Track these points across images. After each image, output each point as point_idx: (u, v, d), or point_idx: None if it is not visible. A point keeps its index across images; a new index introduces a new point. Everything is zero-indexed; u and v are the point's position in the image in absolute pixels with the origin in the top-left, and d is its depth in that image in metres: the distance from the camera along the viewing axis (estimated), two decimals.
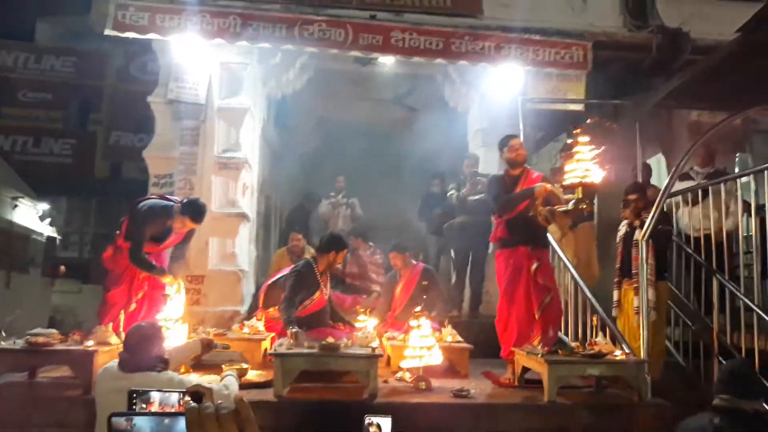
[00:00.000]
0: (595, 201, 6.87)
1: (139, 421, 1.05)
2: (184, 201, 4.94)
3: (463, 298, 7.19)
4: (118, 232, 4.99)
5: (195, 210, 4.85)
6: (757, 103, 5.26)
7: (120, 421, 1.05)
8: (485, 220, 7.11)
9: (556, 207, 4.50)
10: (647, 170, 6.90)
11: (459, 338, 5.40)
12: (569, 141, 4.37)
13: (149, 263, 4.79)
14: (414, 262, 6.19)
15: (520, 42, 6.64)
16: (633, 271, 5.04)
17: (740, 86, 5.56)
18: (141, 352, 3.17)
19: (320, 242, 5.63)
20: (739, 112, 5.36)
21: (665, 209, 5.57)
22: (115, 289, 4.81)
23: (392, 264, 6.14)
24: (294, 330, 4.59)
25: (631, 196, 5.35)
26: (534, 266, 4.68)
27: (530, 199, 4.65)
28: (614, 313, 5.22)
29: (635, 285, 4.94)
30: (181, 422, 0.97)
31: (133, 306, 4.81)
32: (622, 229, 5.40)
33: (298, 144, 9.84)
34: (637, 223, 5.17)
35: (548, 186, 4.55)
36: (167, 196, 5.23)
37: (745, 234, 5.55)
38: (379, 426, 1.93)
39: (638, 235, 4.95)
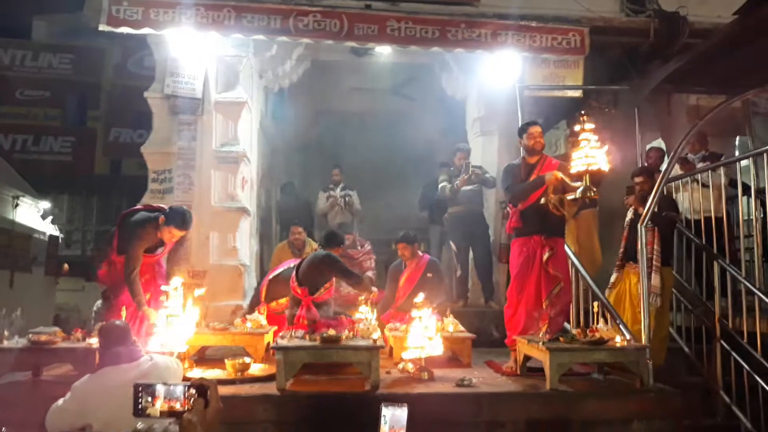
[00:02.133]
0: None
1: None
2: (167, 211, 4.93)
3: (468, 288, 7.21)
4: (109, 247, 4.99)
5: (178, 219, 4.86)
6: (756, 86, 5.22)
7: None
8: (479, 211, 7.14)
9: (564, 195, 4.48)
10: (660, 154, 6.88)
11: (461, 328, 5.41)
12: (576, 128, 4.34)
13: (136, 289, 4.76)
14: (420, 253, 6.20)
15: (517, 28, 6.58)
16: (638, 257, 5.04)
17: (739, 68, 5.56)
18: (129, 344, 3.24)
19: (327, 239, 5.68)
20: (738, 94, 5.32)
21: (667, 194, 5.58)
22: (123, 294, 4.81)
23: (400, 254, 6.15)
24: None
25: (638, 179, 5.33)
26: (546, 255, 4.67)
27: (543, 188, 4.62)
28: (606, 293, 5.25)
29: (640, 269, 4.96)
30: None
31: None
32: (629, 214, 5.42)
33: (296, 136, 9.82)
34: (640, 209, 5.15)
35: (558, 174, 4.50)
36: (153, 205, 5.22)
37: (745, 218, 5.53)
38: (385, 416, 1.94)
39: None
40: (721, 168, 5.17)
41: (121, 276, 4.80)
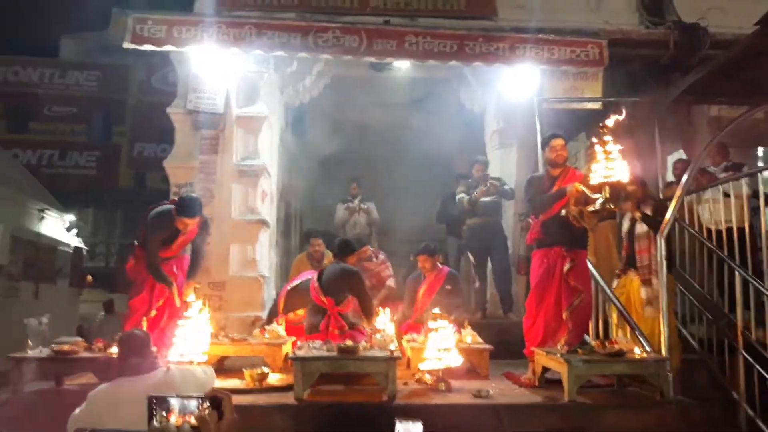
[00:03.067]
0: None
1: None
2: (177, 201, 5.03)
3: (487, 300, 7.18)
4: (136, 242, 5.11)
5: (184, 207, 4.90)
6: None
7: None
8: (497, 222, 7.13)
9: (585, 207, 4.46)
10: (687, 166, 6.83)
11: (479, 339, 5.39)
12: (595, 140, 4.34)
13: (160, 273, 4.89)
14: (439, 265, 6.21)
15: (535, 42, 6.61)
16: (638, 264, 5.14)
17: (760, 79, 5.49)
18: (148, 354, 3.19)
19: (340, 248, 5.72)
20: (760, 105, 5.27)
21: (663, 199, 5.65)
22: (137, 297, 4.91)
23: (420, 266, 6.16)
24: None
25: (630, 187, 5.32)
26: (566, 267, 4.65)
27: (564, 199, 4.61)
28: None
29: (642, 278, 5.06)
30: None
31: (153, 313, 4.88)
32: (626, 223, 5.44)
33: (316, 150, 9.89)
34: (637, 215, 5.22)
35: (579, 187, 4.48)
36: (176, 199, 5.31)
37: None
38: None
39: (639, 228, 5.15)
40: (743, 178, 5.11)
41: (144, 270, 4.92)
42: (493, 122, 8.02)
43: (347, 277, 5.45)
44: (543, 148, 5.02)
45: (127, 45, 6.36)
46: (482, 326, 5.94)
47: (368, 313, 5.48)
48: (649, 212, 5.23)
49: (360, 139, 10.02)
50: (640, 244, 5.15)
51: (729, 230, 4.98)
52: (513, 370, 5.10)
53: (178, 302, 4.84)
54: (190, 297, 4.85)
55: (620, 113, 4.47)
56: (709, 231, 5.33)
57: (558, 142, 4.89)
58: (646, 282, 5.04)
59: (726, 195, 5.11)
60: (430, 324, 4.64)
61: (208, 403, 1.31)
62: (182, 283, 5.11)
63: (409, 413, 2.56)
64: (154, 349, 3.44)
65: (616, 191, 4.29)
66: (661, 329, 4.34)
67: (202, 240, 5.33)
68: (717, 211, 5.42)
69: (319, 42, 6.48)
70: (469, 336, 5.35)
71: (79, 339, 4.85)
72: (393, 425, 3.32)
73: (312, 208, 10.33)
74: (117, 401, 2.90)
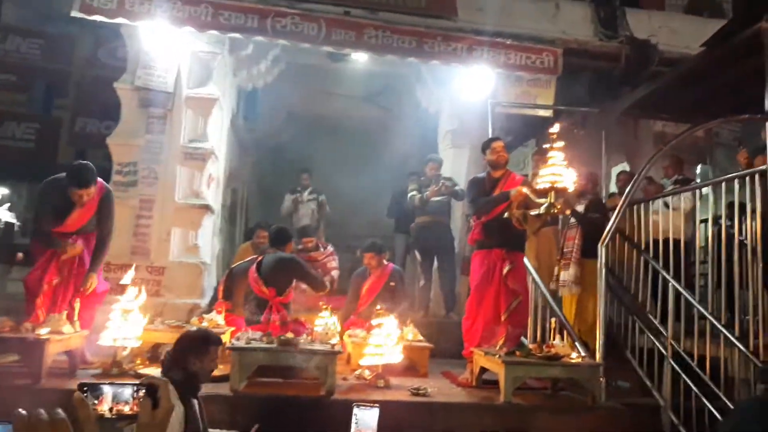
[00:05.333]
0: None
1: None
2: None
3: (430, 298, 7.22)
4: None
5: (72, 176, 4.52)
6: (718, 116, 5.39)
7: None
8: (446, 222, 7.19)
9: (528, 210, 4.52)
10: (630, 178, 7.05)
11: (420, 337, 5.41)
12: (546, 146, 4.42)
13: (48, 239, 4.58)
14: (385, 262, 6.20)
15: (493, 45, 6.69)
16: (564, 250, 5.84)
17: (704, 99, 5.71)
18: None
19: (276, 237, 5.59)
20: (702, 123, 5.47)
21: (596, 198, 6.21)
22: (30, 274, 4.66)
23: (366, 263, 6.12)
24: None
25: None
26: (506, 269, 4.72)
27: (506, 202, 4.67)
28: (552, 286, 5.76)
29: (563, 262, 5.78)
30: None
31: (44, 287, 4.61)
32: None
33: (267, 137, 9.75)
34: (567, 212, 5.66)
35: (523, 190, 4.55)
36: None
37: (702, 244, 5.66)
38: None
39: (572, 219, 5.84)
40: (683, 193, 5.30)
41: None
42: (447, 122, 8.06)
43: (287, 264, 5.32)
44: (483, 151, 5.09)
45: (75, 14, 6.08)
46: (424, 325, 5.98)
47: (320, 288, 5.46)
48: (581, 208, 5.81)
49: (313, 129, 9.93)
50: (569, 233, 5.81)
51: (667, 241, 5.14)
52: (452, 369, 5.15)
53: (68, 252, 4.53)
54: (126, 279, 4.68)
55: (569, 123, 4.59)
56: (655, 241, 5.48)
57: (498, 144, 5.01)
58: (566, 266, 5.69)
59: (666, 206, 5.29)
60: (373, 320, 4.63)
61: (143, 391, 1.22)
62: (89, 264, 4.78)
63: (347, 408, 2.52)
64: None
65: (561, 196, 4.38)
66: (597, 335, 4.45)
67: (105, 216, 4.85)
68: (655, 222, 5.60)
69: (277, 27, 6.36)
70: (411, 333, 5.36)
71: (5, 318, 4.61)
72: (330, 420, 3.31)
73: (259, 195, 10.20)
74: None
